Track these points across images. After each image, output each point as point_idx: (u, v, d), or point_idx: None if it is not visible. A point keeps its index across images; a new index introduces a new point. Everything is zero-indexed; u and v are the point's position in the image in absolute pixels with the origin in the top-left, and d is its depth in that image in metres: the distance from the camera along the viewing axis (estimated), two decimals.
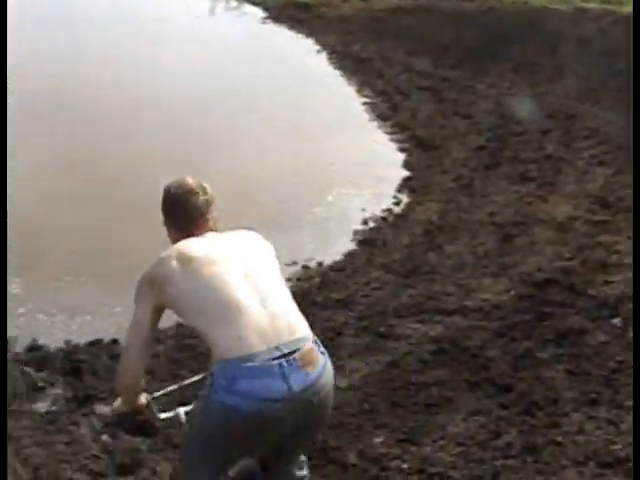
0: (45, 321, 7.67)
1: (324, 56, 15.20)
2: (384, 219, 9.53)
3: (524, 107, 12.02)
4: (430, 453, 5.36)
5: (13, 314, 7.61)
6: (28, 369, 6.98)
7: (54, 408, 6.50)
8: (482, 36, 14.32)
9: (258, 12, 18.22)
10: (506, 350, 6.40)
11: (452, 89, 13.40)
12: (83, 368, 6.92)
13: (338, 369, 6.58)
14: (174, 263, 3.41)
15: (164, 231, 3.93)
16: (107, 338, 7.41)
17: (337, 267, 8.53)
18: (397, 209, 9.78)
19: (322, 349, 3.51)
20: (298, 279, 8.33)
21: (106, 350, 7.24)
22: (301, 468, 3.82)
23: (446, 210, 9.54)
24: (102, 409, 6.45)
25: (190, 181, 3.72)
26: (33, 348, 7.32)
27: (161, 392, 3.90)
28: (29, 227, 8.71)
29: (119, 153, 10.83)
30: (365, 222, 9.40)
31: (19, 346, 7.33)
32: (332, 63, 14.81)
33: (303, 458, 3.85)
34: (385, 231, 9.24)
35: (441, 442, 5.45)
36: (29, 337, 7.41)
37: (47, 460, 5.73)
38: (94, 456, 5.75)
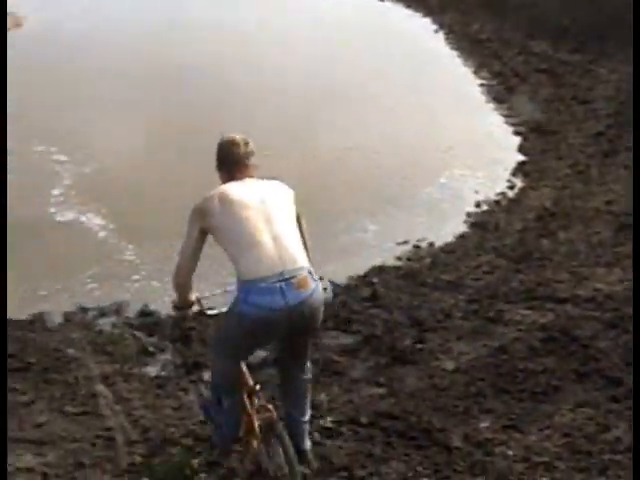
0: (158, 288, 7.85)
1: (441, 36, 15.07)
2: (497, 203, 9.46)
3: None
4: (535, 442, 5.35)
5: (127, 280, 7.89)
6: (139, 334, 7.25)
7: (163, 373, 6.73)
8: (605, 18, 13.92)
9: None
10: (617, 342, 6.32)
11: (571, 73, 13.10)
12: (192, 336, 7.14)
13: (445, 351, 6.69)
14: (216, 202, 4.43)
15: None
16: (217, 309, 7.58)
17: (448, 249, 8.54)
18: (510, 193, 9.69)
19: (315, 277, 4.52)
20: (408, 259, 8.37)
21: (216, 319, 7.41)
22: (305, 372, 4.90)
23: (560, 196, 9.40)
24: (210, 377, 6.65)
25: (237, 136, 4.72)
26: (144, 313, 7.59)
27: (207, 294, 4.84)
28: (143, 193, 8.93)
29: (231, 125, 10.98)
30: (478, 205, 9.36)
31: (131, 311, 7.62)
32: (449, 43, 14.68)
33: (308, 365, 4.92)
34: (498, 215, 9.18)
35: (547, 431, 5.43)
36: (141, 303, 7.68)
37: (156, 423, 5.94)
38: (201, 422, 5.91)
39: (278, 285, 4.29)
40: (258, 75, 12.92)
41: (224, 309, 4.63)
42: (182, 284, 4.59)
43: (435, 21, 15.83)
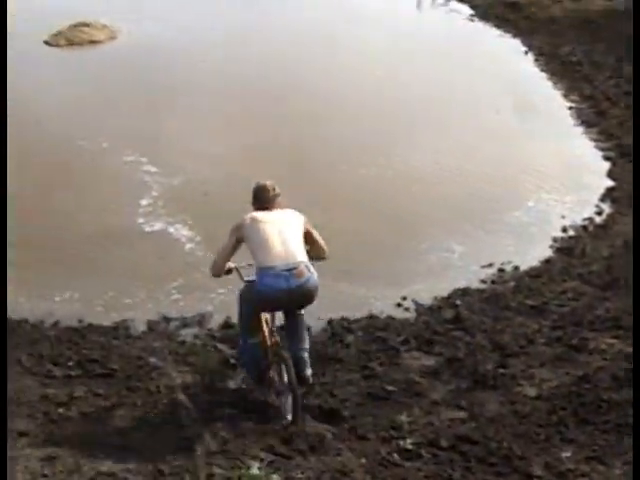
0: None
1: (530, 57, 14.89)
2: (584, 228, 9.29)
3: None
4: (620, 476, 5.25)
5: (211, 292, 7.97)
6: (221, 346, 7.30)
7: (244, 386, 6.75)
8: None
9: (465, 9, 18.06)
10: None
11: None
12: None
13: (528, 377, 6.59)
14: (248, 221, 6.18)
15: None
16: None
17: (533, 273, 8.42)
18: (598, 219, 9.51)
19: (311, 269, 6.07)
20: (493, 282, 8.28)
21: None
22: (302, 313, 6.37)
23: None
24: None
25: (267, 184, 6.40)
26: (227, 326, 7.65)
27: (244, 263, 6.35)
28: (230, 206, 9.00)
29: (323, 140, 11.09)
30: (564, 230, 9.20)
31: (214, 323, 7.69)
32: (539, 65, 14.50)
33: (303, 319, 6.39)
34: (584, 240, 9.01)
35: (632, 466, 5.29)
36: (224, 315, 7.73)
37: (235, 436, 5.97)
38: (281, 437, 5.92)
39: (283, 273, 5.97)
40: (346, 89, 12.99)
41: (253, 277, 6.20)
42: (216, 274, 6.34)
43: (525, 42, 15.67)
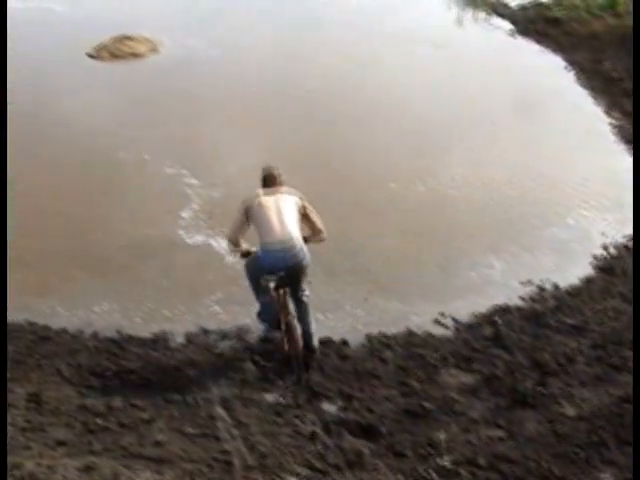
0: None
1: (572, 73, 14.78)
2: (625, 246, 9.17)
3: None
4: None
5: (250, 305, 7.99)
6: (259, 359, 7.30)
7: (282, 400, 6.76)
8: None
9: (506, 25, 17.97)
10: None
11: None
12: (312, 365, 7.16)
13: (567, 397, 6.53)
14: (255, 205, 7.20)
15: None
16: (337, 338, 7.62)
17: (573, 291, 8.33)
18: None
19: (301, 244, 7.12)
20: (532, 299, 8.21)
21: (335, 349, 7.44)
22: (302, 296, 7.34)
23: None
24: (329, 407, 6.65)
25: (272, 167, 7.52)
26: (265, 340, 7.66)
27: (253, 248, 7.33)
28: None
29: (365, 156, 11.10)
30: (605, 248, 9.10)
31: (252, 336, 7.70)
32: (579, 81, 14.36)
33: (307, 293, 7.37)
34: (626, 259, 8.89)
35: None
36: (262, 329, 7.75)
37: (273, 450, 5.97)
38: (318, 452, 5.92)
39: (280, 249, 7.03)
40: (386, 106, 12.99)
41: (257, 250, 7.26)
42: (232, 245, 7.33)
43: (566, 58, 15.54)
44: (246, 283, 7.53)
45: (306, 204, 7.34)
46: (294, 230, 7.14)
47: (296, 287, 7.31)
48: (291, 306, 7.25)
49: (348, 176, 10.41)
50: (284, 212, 7.18)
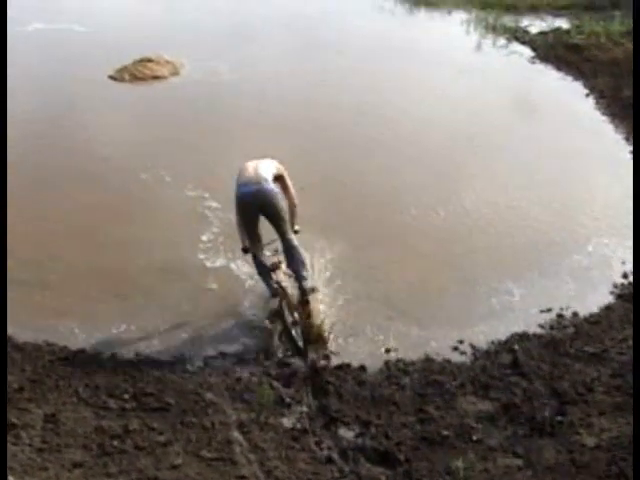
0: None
1: (591, 100, 14.78)
2: None
3: None
4: None
5: (269, 329, 8.01)
6: (276, 384, 7.28)
7: (299, 425, 6.71)
8: None
9: (526, 51, 18.06)
10: None
11: None
12: (330, 390, 7.13)
13: (586, 426, 6.47)
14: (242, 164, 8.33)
15: None
16: (356, 363, 7.59)
17: (592, 319, 8.27)
18: None
19: (275, 191, 8.09)
20: (551, 327, 8.15)
21: (353, 375, 7.41)
22: (288, 239, 8.11)
23: None
24: (346, 433, 6.62)
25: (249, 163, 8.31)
26: (283, 364, 7.62)
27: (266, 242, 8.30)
28: None
29: (386, 180, 11.13)
30: (625, 275, 9.04)
31: (269, 361, 7.67)
32: (600, 108, 14.36)
33: (292, 237, 8.17)
34: None
35: None
36: (280, 353, 7.76)
37: (289, 475, 5.95)
38: (334, 478, 5.89)
39: (253, 185, 7.99)
40: (403, 127, 13.05)
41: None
42: (242, 246, 8.20)
43: (586, 85, 15.57)
44: (266, 308, 7.79)
45: (283, 170, 8.39)
46: (266, 175, 8.11)
47: (278, 227, 8.15)
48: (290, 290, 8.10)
49: (369, 200, 10.42)
50: (260, 166, 8.20)
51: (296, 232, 8.38)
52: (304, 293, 7.96)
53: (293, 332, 7.91)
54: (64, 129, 12.75)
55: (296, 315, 7.95)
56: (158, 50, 16.32)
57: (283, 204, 8.18)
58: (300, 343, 7.80)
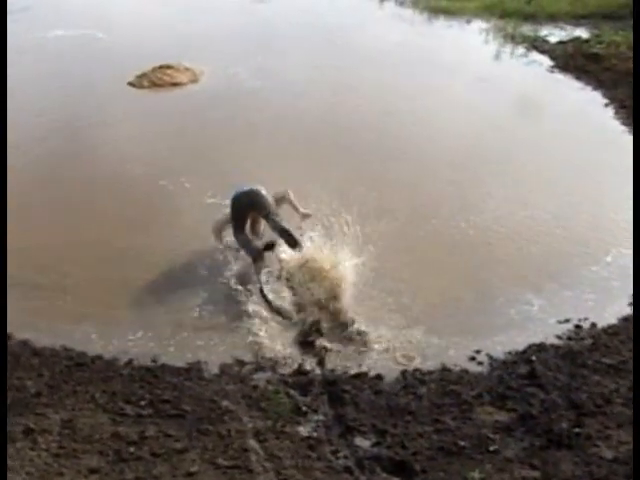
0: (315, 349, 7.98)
1: (611, 110, 14.71)
2: None
3: None
4: None
5: (286, 338, 8.02)
6: (293, 392, 7.27)
7: (315, 434, 6.70)
8: None
9: (545, 60, 17.99)
10: None
11: None
12: (346, 399, 7.12)
13: (604, 438, 6.43)
14: None
15: None
16: (373, 372, 7.58)
17: (611, 331, 8.23)
18: None
19: (263, 189, 9.18)
20: (569, 338, 8.12)
21: (370, 384, 7.40)
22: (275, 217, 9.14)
23: None
24: (362, 442, 6.61)
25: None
26: (300, 372, 7.61)
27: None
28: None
29: (399, 188, 11.13)
30: None
31: (286, 368, 7.67)
32: (619, 118, 14.28)
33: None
34: None
35: None
36: (297, 361, 7.74)
37: None
38: None
39: (244, 187, 9.16)
40: (423, 136, 13.04)
41: None
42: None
43: (606, 95, 15.49)
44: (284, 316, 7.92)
45: (283, 193, 9.50)
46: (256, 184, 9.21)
47: (266, 217, 9.09)
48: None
49: (389, 210, 10.39)
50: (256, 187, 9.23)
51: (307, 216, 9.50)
52: (295, 243, 8.85)
53: (265, 291, 8.60)
54: (82, 136, 12.80)
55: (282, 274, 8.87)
56: (177, 57, 16.38)
57: (271, 202, 9.18)
58: (271, 298, 8.55)
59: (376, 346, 7.93)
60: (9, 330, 7.79)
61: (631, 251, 9.53)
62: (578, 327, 8.31)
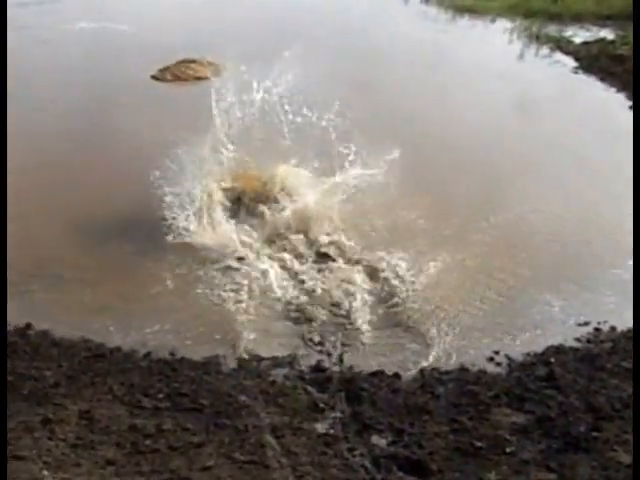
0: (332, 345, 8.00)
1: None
2: None
3: None
4: None
5: (304, 334, 8.02)
6: (310, 388, 7.27)
7: (332, 431, 6.68)
8: None
9: (569, 61, 17.91)
10: None
11: None
12: (363, 397, 7.10)
13: (622, 443, 6.38)
14: None
15: None
16: (390, 371, 7.57)
17: (630, 334, 8.14)
18: None
19: None
20: (588, 341, 8.08)
21: (388, 382, 7.38)
22: None
23: None
24: (379, 441, 6.59)
25: None
26: (317, 369, 7.61)
27: None
28: None
29: (422, 192, 11.09)
30: None
31: (304, 365, 7.67)
32: None
33: None
34: None
35: None
36: (315, 358, 7.76)
37: None
38: None
39: None
40: (442, 137, 13.00)
41: None
42: None
43: (629, 96, 15.39)
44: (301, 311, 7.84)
45: None
46: None
47: None
48: None
49: (414, 210, 10.36)
50: None
51: None
52: None
53: None
54: (105, 128, 12.84)
55: None
56: (201, 51, 16.39)
57: None
58: None
59: None
60: (29, 320, 7.85)
61: None
62: (597, 330, 8.27)
